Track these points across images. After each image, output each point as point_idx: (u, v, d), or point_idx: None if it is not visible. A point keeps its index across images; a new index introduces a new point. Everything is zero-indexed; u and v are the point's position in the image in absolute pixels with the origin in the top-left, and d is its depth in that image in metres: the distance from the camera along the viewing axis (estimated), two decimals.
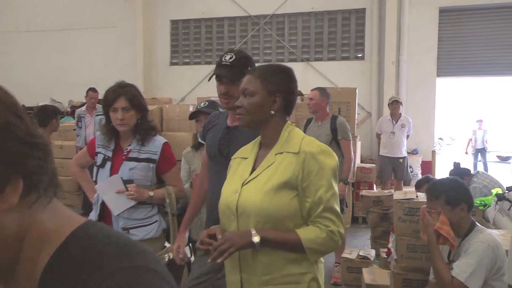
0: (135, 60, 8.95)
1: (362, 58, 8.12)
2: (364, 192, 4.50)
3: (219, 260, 1.39)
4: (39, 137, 0.54)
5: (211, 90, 2.02)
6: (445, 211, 2.11)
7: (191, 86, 8.74)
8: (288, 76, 1.57)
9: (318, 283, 1.50)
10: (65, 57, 9.50)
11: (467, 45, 7.60)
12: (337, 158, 1.51)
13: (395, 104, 6.12)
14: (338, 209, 1.48)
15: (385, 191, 4.91)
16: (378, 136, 6.50)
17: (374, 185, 6.14)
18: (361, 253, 3.57)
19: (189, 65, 9.10)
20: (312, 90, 4.16)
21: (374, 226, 4.32)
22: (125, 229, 2.13)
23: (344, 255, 3.57)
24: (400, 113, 6.23)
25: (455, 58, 7.71)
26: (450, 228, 2.12)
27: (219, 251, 1.39)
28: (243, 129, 1.62)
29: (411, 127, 6.29)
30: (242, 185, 1.51)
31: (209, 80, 2.09)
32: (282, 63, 1.70)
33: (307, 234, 1.43)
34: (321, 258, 1.54)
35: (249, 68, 1.80)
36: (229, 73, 1.85)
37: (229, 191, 1.53)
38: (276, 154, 1.51)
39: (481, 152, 11.37)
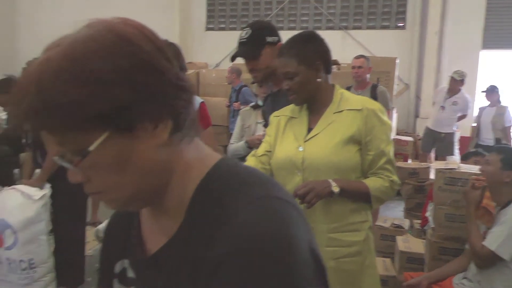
0: (171, 24, 8.94)
1: (403, 27, 7.81)
2: (400, 164, 4.47)
3: (308, 207, 1.46)
4: (186, 80, 0.59)
5: None
6: (496, 168, 2.16)
7: (226, 51, 8.70)
8: (317, 41, 1.61)
9: (372, 231, 1.66)
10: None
11: None
12: None
13: (452, 81, 5.67)
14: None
15: (422, 163, 4.85)
16: (434, 104, 6.12)
17: (409, 159, 6.04)
18: (395, 222, 3.59)
19: (225, 30, 9.04)
20: (357, 58, 4.11)
21: (408, 197, 4.31)
22: None
23: (378, 223, 3.59)
24: (460, 89, 5.71)
25: (505, 29, 7.26)
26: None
27: (299, 195, 1.45)
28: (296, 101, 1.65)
29: (467, 107, 5.78)
30: (304, 141, 1.60)
31: (232, 61, 2.03)
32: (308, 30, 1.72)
33: (373, 183, 1.57)
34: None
35: (266, 38, 1.84)
36: (246, 52, 1.86)
37: (291, 148, 1.62)
38: (334, 113, 1.60)
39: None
